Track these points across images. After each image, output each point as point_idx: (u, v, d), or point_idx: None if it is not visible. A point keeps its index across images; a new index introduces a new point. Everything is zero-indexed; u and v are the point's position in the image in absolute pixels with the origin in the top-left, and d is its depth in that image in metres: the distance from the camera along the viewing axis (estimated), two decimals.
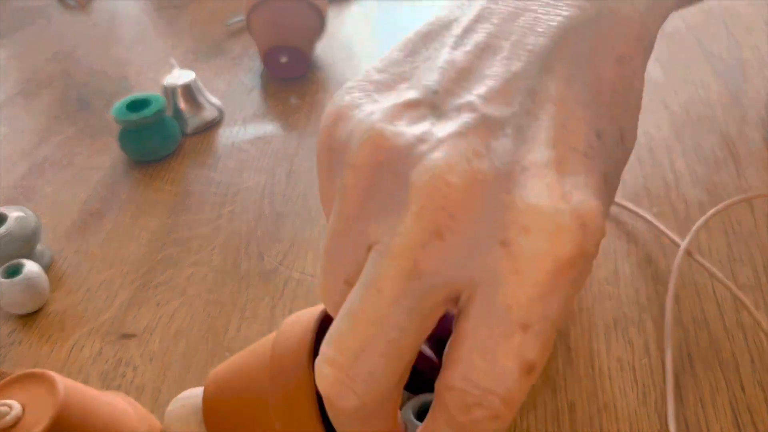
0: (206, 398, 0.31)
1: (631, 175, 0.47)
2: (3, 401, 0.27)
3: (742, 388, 0.33)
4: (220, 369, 0.32)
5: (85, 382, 0.37)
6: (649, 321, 0.37)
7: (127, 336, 0.39)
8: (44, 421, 0.26)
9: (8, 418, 0.26)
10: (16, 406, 0.27)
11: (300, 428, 0.28)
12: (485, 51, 0.18)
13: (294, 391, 0.29)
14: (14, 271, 0.41)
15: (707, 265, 0.39)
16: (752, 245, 0.41)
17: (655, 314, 0.37)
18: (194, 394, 0.33)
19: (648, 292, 0.39)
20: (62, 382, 0.27)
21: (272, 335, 0.32)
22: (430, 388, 0.33)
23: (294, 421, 0.28)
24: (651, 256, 0.41)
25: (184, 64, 0.68)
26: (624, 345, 0.36)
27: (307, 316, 0.31)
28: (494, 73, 0.17)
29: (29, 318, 0.41)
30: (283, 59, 0.62)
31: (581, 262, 0.16)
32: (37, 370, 0.28)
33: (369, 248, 0.18)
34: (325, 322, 0.33)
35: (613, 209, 0.44)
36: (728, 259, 0.40)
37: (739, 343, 0.35)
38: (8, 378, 0.28)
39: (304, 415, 0.28)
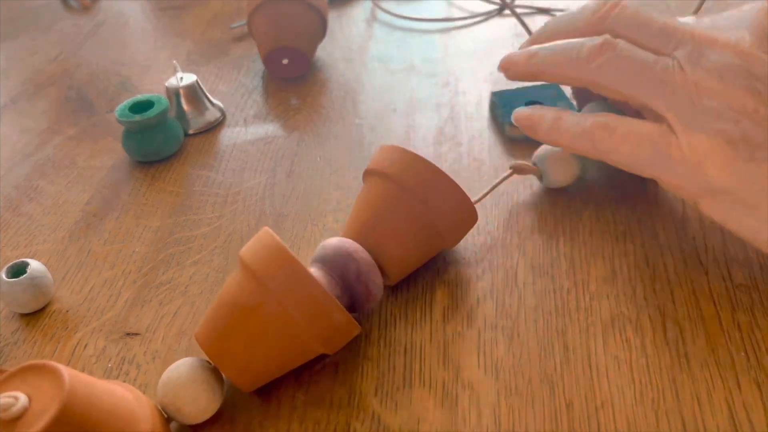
0: (201, 334, 0.34)
1: (627, 173, 0.47)
2: (8, 393, 0.26)
3: (739, 386, 0.34)
4: (203, 320, 0.34)
5: None
6: (646, 319, 0.37)
7: (130, 335, 0.40)
8: (51, 411, 0.26)
9: (14, 409, 0.26)
10: (22, 398, 0.26)
11: (293, 285, 0.31)
12: None
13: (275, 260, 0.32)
14: (18, 271, 0.41)
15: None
16: (747, 244, 0.41)
17: (653, 313, 0.38)
18: (184, 359, 0.34)
19: (646, 291, 0.39)
20: (66, 371, 0.27)
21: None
22: None
23: (285, 282, 0.32)
24: (648, 255, 0.41)
25: (186, 66, 0.69)
26: (621, 343, 0.36)
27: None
28: None
29: (33, 317, 0.42)
30: (285, 60, 0.62)
31: None
32: (40, 361, 0.28)
33: None
34: None
35: (609, 207, 0.45)
36: (724, 258, 0.40)
37: (735, 341, 0.36)
38: (12, 370, 0.28)
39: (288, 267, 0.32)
